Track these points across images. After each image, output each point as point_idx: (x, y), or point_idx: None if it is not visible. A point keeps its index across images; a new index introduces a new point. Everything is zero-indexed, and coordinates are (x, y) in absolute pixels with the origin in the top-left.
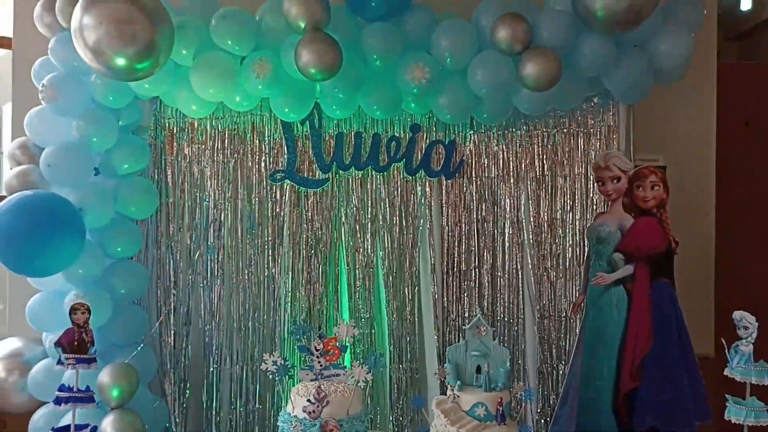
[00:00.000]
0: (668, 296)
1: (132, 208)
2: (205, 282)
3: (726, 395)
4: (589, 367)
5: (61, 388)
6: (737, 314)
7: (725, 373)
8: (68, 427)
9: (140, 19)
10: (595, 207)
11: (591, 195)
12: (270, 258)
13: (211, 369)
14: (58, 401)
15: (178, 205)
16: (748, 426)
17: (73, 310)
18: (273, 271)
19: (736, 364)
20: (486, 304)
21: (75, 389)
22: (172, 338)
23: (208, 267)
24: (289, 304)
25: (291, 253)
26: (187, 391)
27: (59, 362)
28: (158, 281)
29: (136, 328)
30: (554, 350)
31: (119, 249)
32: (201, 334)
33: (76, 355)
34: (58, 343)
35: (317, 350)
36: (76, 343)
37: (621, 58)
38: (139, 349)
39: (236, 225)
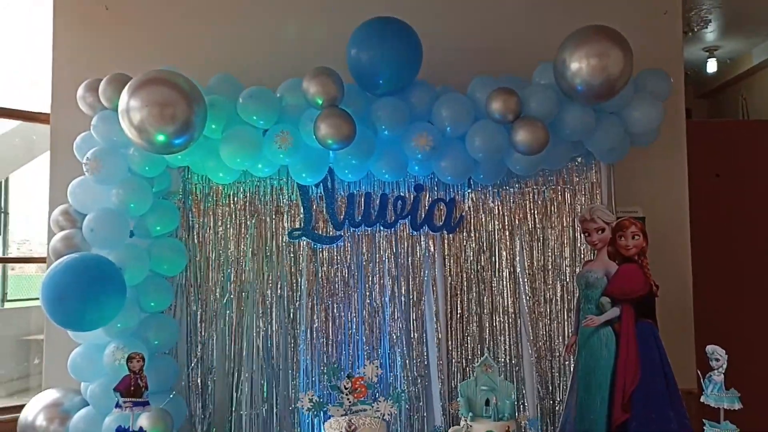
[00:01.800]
0: (651, 335)
1: (164, 266)
2: (228, 333)
3: (703, 419)
4: (583, 401)
5: (119, 429)
6: (709, 348)
7: (701, 400)
8: None
9: (179, 101)
10: (582, 255)
11: (578, 245)
12: (289, 308)
13: (235, 413)
14: None
15: (204, 263)
16: None
17: (129, 358)
18: (292, 320)
19: (710, 391)
20: (489, 346)
21: (131, 429)
22: (200, 386)
23: (232, 319)
24: (308, 350)
25: (308, 304)
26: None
27: (117, 405)
28: (187, 333)
29: (168, 376)
30: (551, 387)
31: (153, 304)
32: (225, 380)
33: (133, 399)
34: (116, 389)
35: (346, 388)
36: (132, 388)
37: (600, 124)
38: (171, 396)
39: (257, 279)
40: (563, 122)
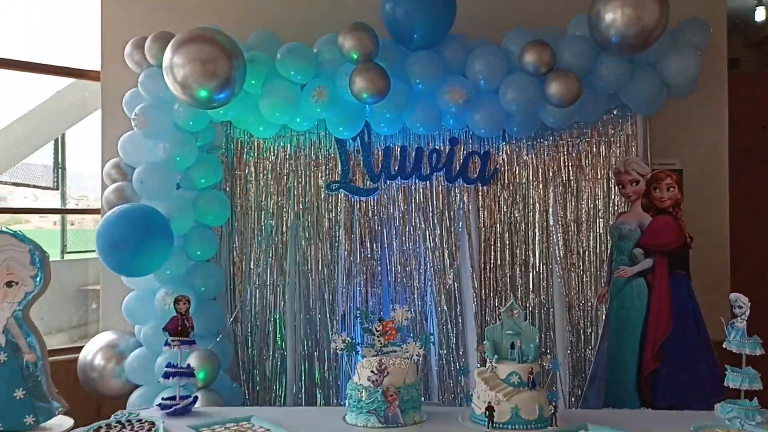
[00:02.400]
0: (684, 286)
1: (209, 217)
2: (269, 281)
3: (725, 365)
4: (614, 351)
5: (168, 365)
6: (732, 296)
7: (724, 346)
8: (174, 397)
9: (220, 58)
10: (616, 208)
11: (612, 197)
12: (328, 258)
13: (277, 356)
14: (166, 376)
15: (246, 214)
16: (743, 390)
17: (176, 301)
18: (330, 269)
19: (732, 338)
20: (520, 296)
21: (179, 366)
22: (244, 330)
23: (273, 268)
24: (345, 298)
25: (346, 254)
26: (257, 376)
27: (166, 344)
28: (230, 280)
29: (214, 321)
30: (582, 336)
31: (199, 252)
32: (267, 325)
33: (180, 338)
34: (165, 328)
35: (377, 331)
36: (179, 328)
37: (636, 75)
38: (218, 339)
39: (297, 230)
40: (597, 74)
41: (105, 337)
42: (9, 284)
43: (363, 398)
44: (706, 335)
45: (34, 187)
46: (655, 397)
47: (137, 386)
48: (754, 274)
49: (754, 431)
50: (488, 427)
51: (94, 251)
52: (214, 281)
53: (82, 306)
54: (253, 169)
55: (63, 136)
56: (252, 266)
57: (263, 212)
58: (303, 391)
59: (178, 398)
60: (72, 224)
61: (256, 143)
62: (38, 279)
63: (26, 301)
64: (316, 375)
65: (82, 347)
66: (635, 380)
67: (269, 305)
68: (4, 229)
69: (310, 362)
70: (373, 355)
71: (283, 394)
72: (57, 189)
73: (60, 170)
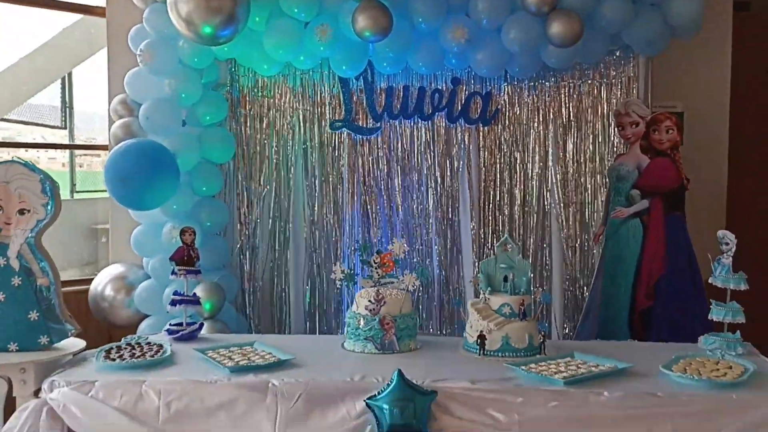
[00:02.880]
0: (680, 227)
1: (214, 154)
2: (274, 217)
3: (710, 299)
4: (608, 288)
5: (175, 293)
6: (720, 233)
7: (709, 281)
8: (181, 323)
9: None
10: (615, 149)
11: (612, 138)
12: (330, 195)
13: (280, 289)
14: (173, 303)
15: (251, 151)
16: (727, 323)
17: (182, 232)
18: (333, 206)
19: (718, 273)
20: (518, 235)
21: (186, 294)
22: (248, 264)
23: (278, 204)
24: (348, 233)
25: (349, 191)
26: (261, 308)
27: (173, 273)
28: (235, 216)
29: (220, 254)
30: (578, 275)
31: (204, 188)
32: (271, 259)
33: (186, 267)
34: (171, 258)
35: (375, 263)
36: (185, 258)
37: (639, 15)
38: (223, 273)
39: (301, 167)
40: (600, 14)
41: (114, 269)
42: (21, 212)
43: (361, 326)
44: (699, 275)
45: (42, 125)
46: (646, 334)
47: (146, 316)
48: (749, 217)
49: (733, 361)
50: (480, 355)
51: (103, 191)
52: (220, 217)
53: (92, 243)
54: (257, 107)
55: (70, 74)
56: (256, 203)
57: (267, 149)
58: (306, 323)
59: (184, 324)
60: (80, 166)
61: (260, 81)
62: (49, 207)
63: (38, 229)
64: (319, 308)
65: (92, 279)
66: (628, 317)
67: (274, 240)
68: (15, 158)
69: (313, 296)
70: (371, 286)
71: (286, 325)
72: (65, 128)
73: (67, 109)
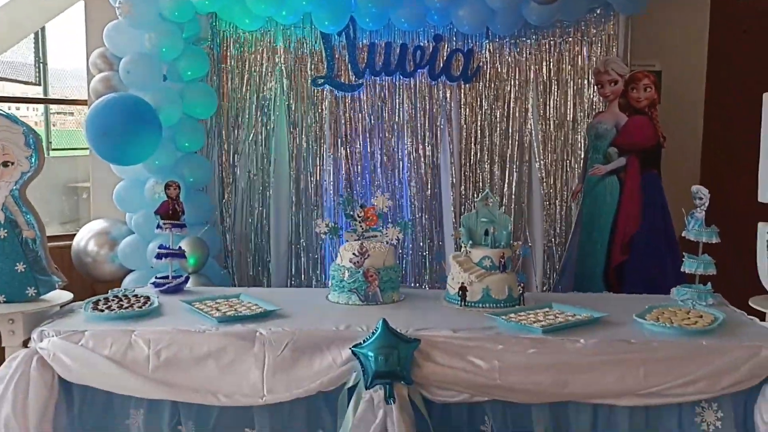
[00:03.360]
0: (655, 185)
1: (196, 109)
2: (256, 172)
3: (683, 252)
4: (585, 244)
5: (161, 247)
6: (694, 188)
7: (683, 234)
8: (167, 276)
9: None
10: (594, 107)
11: (591, 97)
12: (313, 151)
13: (264, 245)
14: (159, 257)
15: (233, 107)
16: (698, 275)
17: (167, 186)
18: (315, 162)
19: (691, 227)
20: (498, 192)
21: (171, 248)
22: (231, 220)
23: (260, 160)
24: (331, 189)
25: (331, 147)
26: (243, 264)
27: (158, 227)
28: (218, 172)
29: (203, 210)
30: (556, 230)
31: (187, 144)
32: (254, 215)
33: (171, 221)
34: (156, 212)
35: (359, 217)
36: (170, 211)
37: None
38: (206, 228)
39: (283, 124)
40: None
41: (97, 225)
42: (5, 164)
43: (345, 278)
44: (673, 232)
45: (15, 81)
46: (621, 288)
47: (130, 271)
48: (723, 175)
49: (704, 311)
50: (461, 306)
51: (80, 148)
52: (203, 172)
53: (73, 200)
54: (239, 63)
55: (44, 29)
56: (239, 158)
57: (249, 105)
58: (288, 278)
59: (170, 278)
60: (54, 125)
61: (242, 37)
62: (33, 160)
63: (22, 181)
64: (301, 263)
65: (74, 235)
66: (603, 272)
67: (256, 196)
68: None
69: (296, 251)
70: (355, 240)
71: (268, 280)
72: (39, 84)
73: (41, 65)
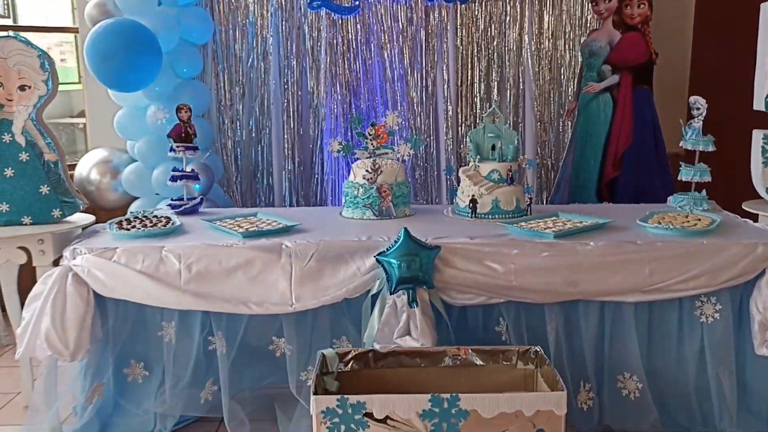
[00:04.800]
0: (647, 101)
1: (193, 34)
2: (254, 97)
3: (680, 162)
4: (578, 161)
5: (175, 170)
6: (692, 98)
7: (680, 144)
8: (181, 198)
9: None
10: (588, 25)
11: (585, 14)
12: (311, 74)
13: (264, 170)
14: (173, 179)
15: (230, 31)
16: (694, 183)
17: (178, 109)
18: (313, 85)
19: (689, 137)
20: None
21: (184, 170)
22: (231, 145)
23: (259, 84)
24: (330, 114)
25: (329, 71)
26: (246, 190)
27: (171, 150)
28: (217, 97)
29: (204, 136)
30: (551, 149)
31: (185, 70)
32: (255, 140)
33: (184, 144)
34: (169, 135)
35: (370, 135)
36: (183, 134)
37: None
38: (208, 153)
39: (280, 47)
40: None
41: (97, 154)
42: (22, 88)
43: (359, 194)
44: (663, 147)
45: None
46: (612, 203)
47: (134, 199)
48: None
49: (701, 215)
50: (472, 217)
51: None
52: (202, 98)
53: (71, 140)
54: None
55: None
56: (237, 84)
57: (246, 29)
58: (291, 200)
59: (185, 199)
60: None
61: None
62: (49, 83)
63: (40, 104)
64: (304, 185)
65: (74, 165)
66: (596, 187)
67: (256, 121)
68: (11, 34)
69: (297, 176)
70: (367, 157)
71: (271, 204)
72: (8, 17)
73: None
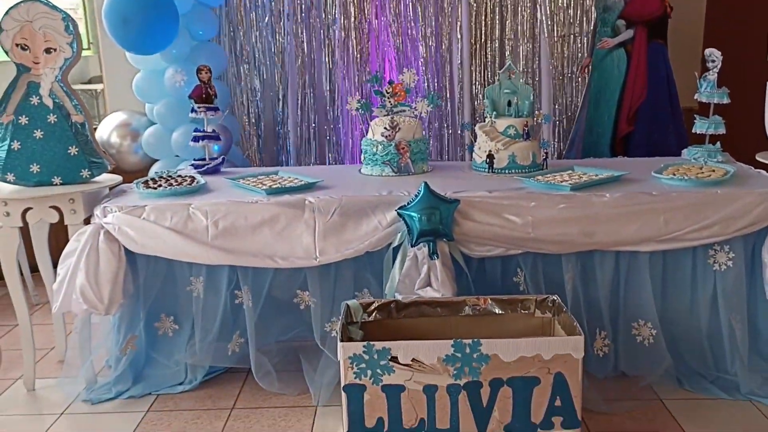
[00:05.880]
0: (661, 55)
1: None
2: (270, 56)
3: (695, 114)
4: (592, 116)
5: (197, 130)
6: (707, 51)
7: (695, 97)
8: (203, 158)
9: None
10: None
11: None
12: (324, 33)
13: (281, 129)
14: (195, 139)
15: None
16: (709, 135)
17: (198, 70)
18: (327, 43)
19: (703, 90)
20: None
21: (206, 131)
22: (247, 106)
23: (274, 46)
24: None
25: (344, 28)
26: (263, 151)
27: (192, 110)
28: (233, 59)
29: (221, 97)
30: (565, 104)
31: (201, 32)
32: (271, 100)
33: (206, 105)
34: (190, 96)
35: (388, 93)
36: (204, 95)
37: None
38: (225, 114)
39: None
40: None
41: (117, 117)
42: (48, 51)
43: (378, 152)
44: (677, 101)
45: None
46: (627, 156)
47: (154, 161)
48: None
49: (715, 166)
50: (489, 172)
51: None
52: (218, 60)
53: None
54: None
55: None
56: (252, 45)
57: None
58: (308, 160)
59: (207, 159)
60: None
61: None
62: (74, 46)
63: (65, 67)
64: (320, 145)
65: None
66: (610, 143)
67: (271, 83)
68: None
69: (314, 133)
70: (385, 115)
71: (288, 164)
72: None
73: None
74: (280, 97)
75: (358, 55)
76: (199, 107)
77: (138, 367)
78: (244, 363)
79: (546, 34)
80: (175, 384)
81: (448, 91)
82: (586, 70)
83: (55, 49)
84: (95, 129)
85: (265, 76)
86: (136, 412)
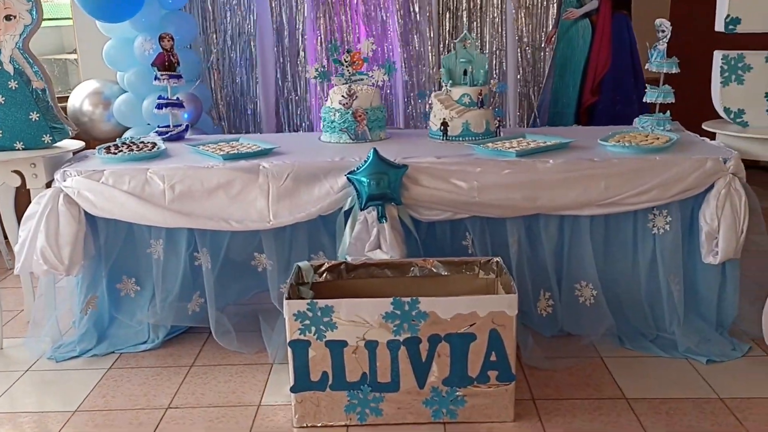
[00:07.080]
0: (626, 26)
1: None
2: (241, 29)
3: (647, 85)
4: (558, 86)
5: (160, 98)
6: (658, 21)
7: (645, 67)
8: (168, 125)
9: None
10: None
11: None
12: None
13: (251, 100)
14: (159, 107)
15: None
16: (659, 104)
17: (161, 38)
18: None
19: (654, 59)
20: (476, 38)
21: (169, 98)
22: (218, 75)
23: (244, 14)
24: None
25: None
26: (234, 119)
27: (156, 78)
28: (204, 28)
29: (192, 66)
30: (531, 76)
31: (170, 1)
32: (241, 69)
33: (168, 72)
34: (153, 64)
35: (346, 61)
36: (167, 63)
37: None
38: (197, 83)
39: None
40: None
41: (89, 86)
42: (8, 18)
43: (335, 119)
44: (641, 71)
45: None
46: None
47: (126, 129)
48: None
49: (661, 134)
50: (443, 139)
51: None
52: (188, 29)
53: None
54: None
55: None
56: (221, 12)
57: None
58: (278, 128)
59: (171, 126)
60: None
61: None
62: (34, 13)
63: (26, 34)
64: (290, 112)
65: (67, 97)
66: (575, 112)
67: (241, 51)
68: None
69: (285, 101)
70: (343, 83)
71: (259, 131)
72: None
73: None
74: (251, 65)
75: (329, 25)
76: (162, 75)
77: (102, 327)
78: (204, 323)
79: (513, 5)
80: (138, 343)
81: (417, 61)
82: (551, 41)
83: (15, 16)
84: (67, 97)
85: (236, 45)
86: (99, 369)
